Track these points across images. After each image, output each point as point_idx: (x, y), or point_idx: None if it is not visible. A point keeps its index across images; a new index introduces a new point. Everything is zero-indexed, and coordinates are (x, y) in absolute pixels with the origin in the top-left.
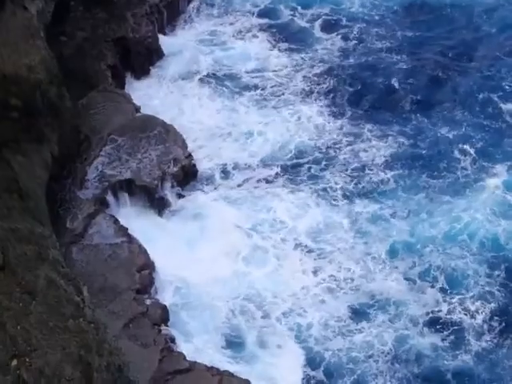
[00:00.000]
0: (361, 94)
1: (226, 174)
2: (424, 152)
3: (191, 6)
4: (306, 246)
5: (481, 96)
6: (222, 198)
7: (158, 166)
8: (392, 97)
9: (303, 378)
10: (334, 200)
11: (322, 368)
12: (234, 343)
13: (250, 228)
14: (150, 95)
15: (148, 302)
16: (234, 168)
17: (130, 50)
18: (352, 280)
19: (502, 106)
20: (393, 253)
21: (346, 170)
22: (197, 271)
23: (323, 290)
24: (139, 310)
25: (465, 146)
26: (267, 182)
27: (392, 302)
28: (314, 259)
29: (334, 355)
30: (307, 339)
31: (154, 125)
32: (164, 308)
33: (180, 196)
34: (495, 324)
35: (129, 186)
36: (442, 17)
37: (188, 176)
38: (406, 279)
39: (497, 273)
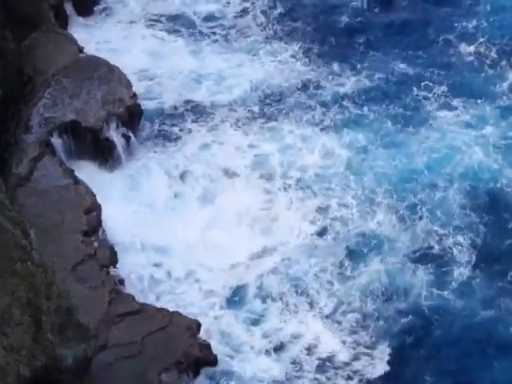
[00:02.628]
0: (323, 32)
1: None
2: (391, 86)
3: None
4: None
5: (437, 36)
6: None
7: (102, 106)
8: (352, 34)
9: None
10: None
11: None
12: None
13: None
14: (94, 36)
15: (96, 244)
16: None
17: None
18: (338, 219)
19: (454, 44)
20: (376, 187)
21: (322, 105)
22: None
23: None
24: (87, 252)
25: (426, 82)
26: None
27: (383, 239)
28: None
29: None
30: None
31: (98, 65)
32: (112, 249)
33: (126, 137)
34: (479, 255)
35: (74, 128)
36: None
37: (133, 116)
38: (394, 214)
39: (479, 202)
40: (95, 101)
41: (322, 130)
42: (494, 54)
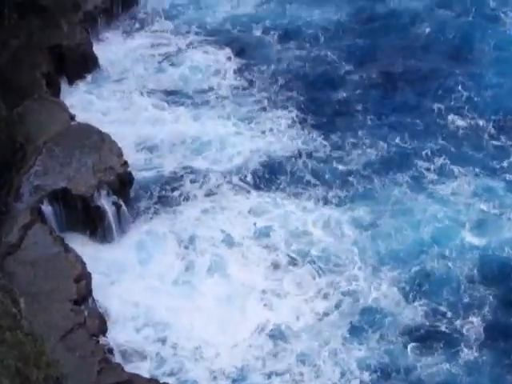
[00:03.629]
0: (321, 103)
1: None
2: (392, 157)
3: (131, 14)
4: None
5: (430, 106)
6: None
7: (93, 174)
8: (348, 106)
9: None
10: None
11: None
12: None
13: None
14: (85, 103)
15: (85, 312)
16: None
17: (65, 57)
18: (344, 295)
19: (450, 116)
20: (382, 260)
21: (323, 176)
22: None
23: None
24: (77, 321)
25: (426, 152)
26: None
27: (384, 314)
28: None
29: None
30: None
31: (89, 133)
32: (101, 318)
33: (117, 205)
34: (487, 332)
35: (64, 196)
36: (389, 26)
37: (124, 184)
38: (400, 289)
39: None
40: (86, 169)
41: (324, 202)
42: (491, 128)
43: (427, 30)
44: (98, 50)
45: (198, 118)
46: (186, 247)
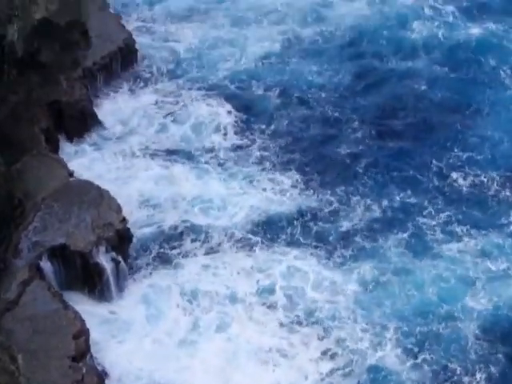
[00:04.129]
0: (322, 162)
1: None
2: (395, 215)
3: (134, 73)
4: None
5: (432, 162)
6: None
7: (92, 231)
8: (351, 164)
9: None
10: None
11: None
12: None
13: None
14: (86, 161)
15: (84, 369)
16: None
17: (64, 113)
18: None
19: (453, 173)
20: (387, 320)
21: (326, 235)
22: None
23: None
24: (75, 378)
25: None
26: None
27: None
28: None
29: None
30: None
31: (87, 189)
32: (100, 376)
33: (116, 261)
34: None
35: (63, 252)
36: (389, 83)
37: (123, 241)
38: (402, 348)
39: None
40: (85, 225)
41: (328, 260)
42: (494, 184)
43: (427, 87)
44: (99, 106)
45: (201, 177)
46: (190, 302)
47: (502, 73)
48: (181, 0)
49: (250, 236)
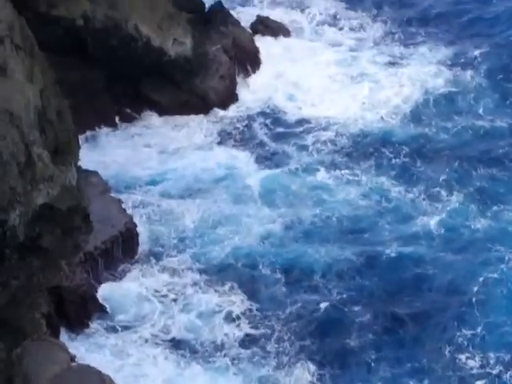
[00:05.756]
0: (332, 353)
1: None
2: None
3: (133, 253)
4: None
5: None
6: None
7: None
8: (361, 354)
9: None
10: None
11: None
12: None
13: None
14: (86, 345)
15: None
16: None
17: (65, 298)
18: None
19: (462, 355)
20: None
21: None
22: None
23: None
24: None
25: None
26: None
27: None
28: None
29: None
30: None
31: (89, 374)
32: None
33: None
34: None
35: None
36: (392, 268)
37: None
38: None
39: None
40: None
41: None
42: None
43: (431, 272)
44: (101, 290)
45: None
46: None
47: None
48: (180, 179)
49: None
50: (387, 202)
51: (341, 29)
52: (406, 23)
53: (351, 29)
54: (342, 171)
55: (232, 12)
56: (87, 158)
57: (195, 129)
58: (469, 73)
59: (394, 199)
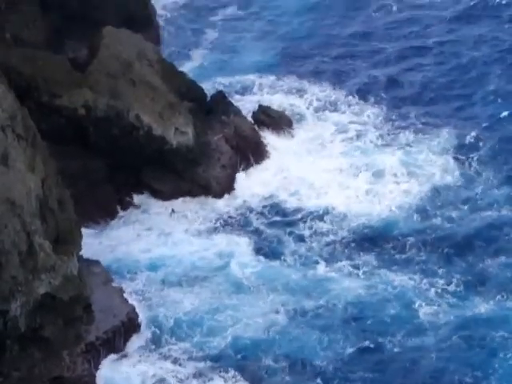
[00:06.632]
0: None
1: None
2: None
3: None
4: None
5: None
6: None
7: None
8: None
9: None
10: None
11: None
12: None
13: None
14: None
15: None
16: None
17: None
18: None
19: None
20: None
21: None
22: None
23: None
24: None
25: None
26: None
27: None
28: None
29: None
30: None
31: None
32: None
33: None
34: None
35: None
36: (396, 360)
37: None
38: None
39: None
40: None
41: None
42: None
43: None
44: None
45: None
46: None
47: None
48: (179, 266)
49: None
50: (391, 291)
51: (343, 113)
52: (405, 107)
53: (352, 113)
54: (343, 262)
55: (231, 99)
56: (88, 242)
57: (196, 216)
58: (472, 160)
59: (398, 287)
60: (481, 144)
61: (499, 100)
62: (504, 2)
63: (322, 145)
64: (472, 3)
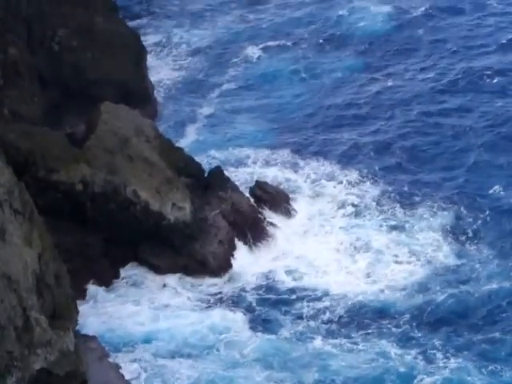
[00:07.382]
0: None
1: None
2: None
3: None
4: None
5: None
6: None
7: None
8: None
9: None
10: None
11: None
12: None
13: None
14: None
15: None
16: None
17: None
18: None
19: None
20: None
21: None
22: None
23: None
24: None
25: None
26: None
27: None
28: None
29: None
30: None
31: None
32: None
33: None
34: None
35: None
36: None
37: None
38: None
39: None
40: None
41: None
42: None
43: None
44: None
45: None
46: None
47: None
48: (173, 340)
49: None
50: (389, 364)
51: (339, 183)
52: (400, 181)
53: (349, 186)
54: (341, 339)
55: (226, 173)
56: (84, 315)
57: (191, 290)
58: (470, 237)
59: (396, 361)
60: (479, 223)
61: (488, 170)
62: (487, 73)
63: (320, 222)
64: (457, 76)
